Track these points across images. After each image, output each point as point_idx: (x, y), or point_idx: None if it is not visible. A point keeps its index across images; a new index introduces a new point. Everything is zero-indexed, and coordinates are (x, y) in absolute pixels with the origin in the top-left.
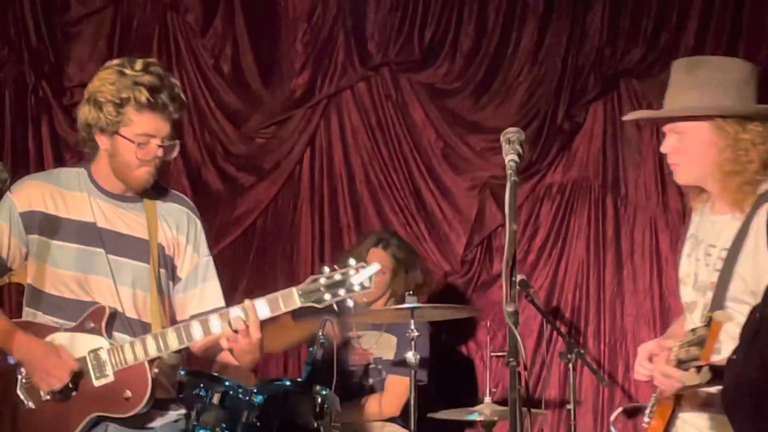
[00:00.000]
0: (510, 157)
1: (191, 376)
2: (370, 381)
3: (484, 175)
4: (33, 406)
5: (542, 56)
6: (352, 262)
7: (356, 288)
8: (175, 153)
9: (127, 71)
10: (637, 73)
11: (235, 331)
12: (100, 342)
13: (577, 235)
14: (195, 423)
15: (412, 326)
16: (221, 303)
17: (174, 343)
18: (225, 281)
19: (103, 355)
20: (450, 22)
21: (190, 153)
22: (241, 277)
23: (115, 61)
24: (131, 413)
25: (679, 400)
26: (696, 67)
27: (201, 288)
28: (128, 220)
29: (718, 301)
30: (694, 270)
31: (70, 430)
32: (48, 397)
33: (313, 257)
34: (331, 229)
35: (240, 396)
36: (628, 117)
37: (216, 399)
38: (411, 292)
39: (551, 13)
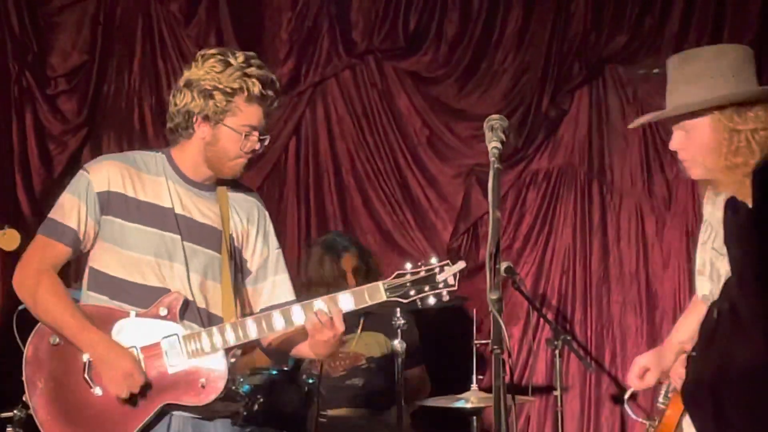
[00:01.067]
0: (493, 144)
1: None
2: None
3: (470, 163)
4: (101, 393)
5: (527, 43)
6: (434, 259)
7: (440, 285)
8: (265, 146)
9: (233, 61)
10: (621, 60)
11: (320, 323)
12: (176, 329)
13: (563, 222)
14: None
15: (398, 314)
16: (292, 296)
17: (253, 333)
18: None
19: (179, 342)
20: (434, 9)
21: None
22: None
23: (213, 50)
24: (205, 402)
25: None
26: (688, 61)
27: (272, 281)
28: (203, 208)
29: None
30: (711, 259)
31: (141, 418)
32: None
33: (299, 246)
34: (317, 217)
35: (232, 387)
36: (635, 124)
37: None
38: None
39: (535, 0)
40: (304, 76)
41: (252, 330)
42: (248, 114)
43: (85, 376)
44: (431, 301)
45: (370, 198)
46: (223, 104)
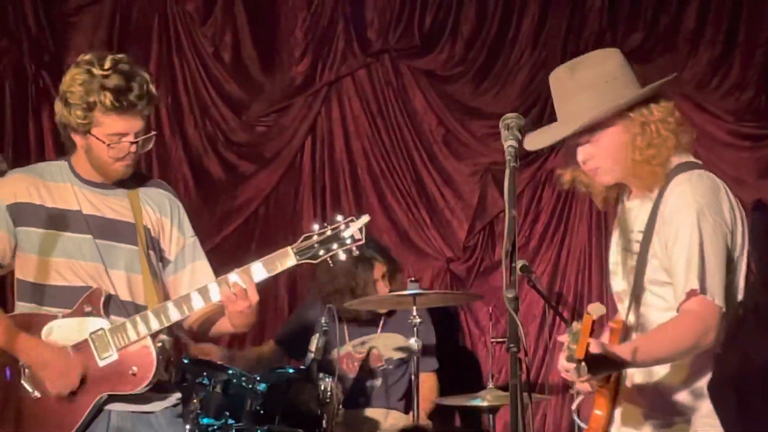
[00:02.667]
0: (509, 143)
1: (194, 364)
2: (379, 383)
3: (486, 161)
4: (39, 395)
5: (542, 41)
6: (340, 217)
7: (348, 241)
8: (150, 145)
9: (96, 71)
10: (637, 58)
11: (234, 295)
12: (101, 323)
13: (579, 219)
14: (198, 411)
15: (414, 312)
16: (212, 280)
17: (174, 315)
18: (227, 270)
19: (105, 335)
20: (450, 7)
21: (191, 142)
22: (243, 266)
23: (86, 57)
24: (139, 388)
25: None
26: (575, 70)
27: (191, 267)
28: (113, 206)
29: (639, 285)
30: (622, 258)
31: (81, 413)
32: None
33: None
34: (333, 216)
35: (243, 384)
36: (532, 147)
37: (219, 387)
38: (413, 279)
39: None
40: (320, 74)
41: (173, 313)
42: (110, 124)
43: (23, 381)
44: (341, 257)
45: (386, 197)
46: (82, 118)
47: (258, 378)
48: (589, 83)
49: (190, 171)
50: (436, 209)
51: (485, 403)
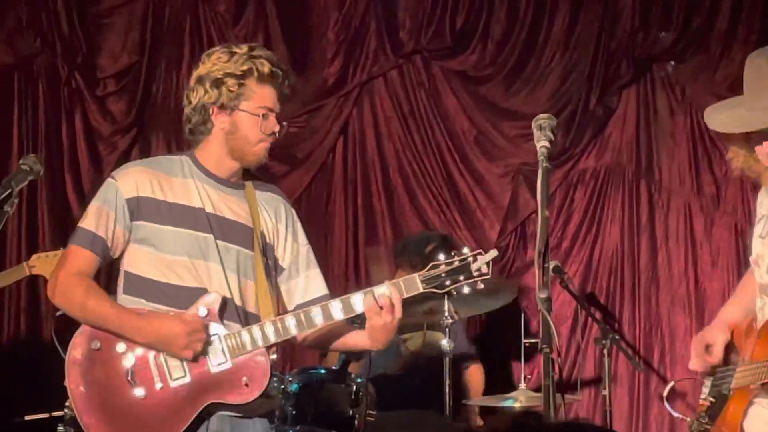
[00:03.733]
0: (542, 143)
1: None
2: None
3: (517, 162)
4: (144, 395)
5: (574, 42)
6: (466, 249)
7: (475, 274)
8: (284, 133)
9: (237, 50)
10: (669, 58)
11: (380, 307)
12: (216, 328)
13: (611, 220)
14: None
15: (446, 313)
16: (325, 291)
17: (293, 329)
18: None
19: (220, 341)
20: (481, 8)
21: None
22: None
23: (217, 48)
24: (249, 400)
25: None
26: None
27: (305, 276)
28: (233, 206)
29: None
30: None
31: (186, 419)
32: (161, 385)
33: (347, 246)
34: (365, 217)
35: (275, 385)
36: (722, 128)
37: None
38: None
39: None
40: (352, 76)
41: (292, 326)
42: (262, 95)
43: (128, 379)
44: (466, 290)
45: (418, 197)
46: (235, 88)
47: (290, 378)
48: None
49: None
50: (467, 210)
51: (517, 404)
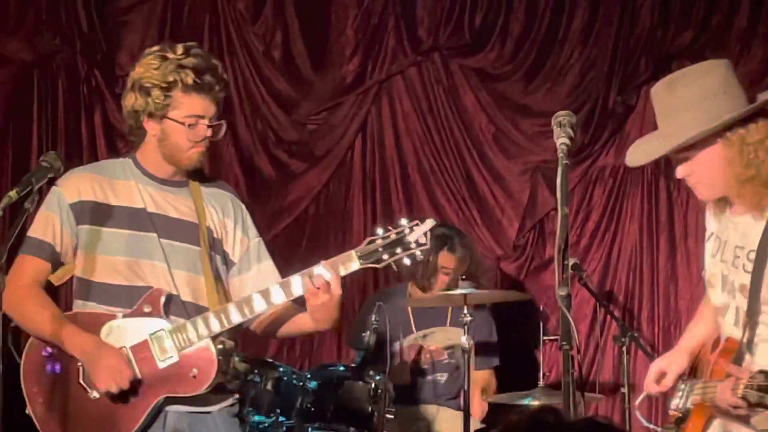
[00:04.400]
0: (561, 140)
1: (245, 362)
2: (442, 377)
3: (536, 160)
4: (98, 395)
5: (593, 39)
6: (404, 221)
7: (413, 246)
8: (222, 133)
9: (170, 55)
10: (688, 56)
11: (317, 288)
12: (161, 324)
13: (630, 218)
14: (249, 409)
15: (465, 311)
16: (279, 280)
17: (236, 317)
18: (277, 268)
19: (165, 336)
20: (500, 5)
21: (242, 140)
22: (293, 264)
23: (155, 48)
24: (200, 391)
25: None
26: (677, 85)
27: (257, 269)
28: (177, 204)
29: (753, 306)
30: (722, 271)
31: (139, 415)
32: None
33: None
34: (383, 214)
35: (294, 382)
36: (639, 162)
37: (270, 385)
38: (464, 277)
39: None
40: (370, 73)
41: (234, 314)
42: (189, 104)
43: (80, 381)
44: (406, 261)
45: (436, 195)
46: (161, 99)
47: (309, 375)
48: (689, 99)
49: (241, 169)
50: (486, 207)
51: (536, 402)
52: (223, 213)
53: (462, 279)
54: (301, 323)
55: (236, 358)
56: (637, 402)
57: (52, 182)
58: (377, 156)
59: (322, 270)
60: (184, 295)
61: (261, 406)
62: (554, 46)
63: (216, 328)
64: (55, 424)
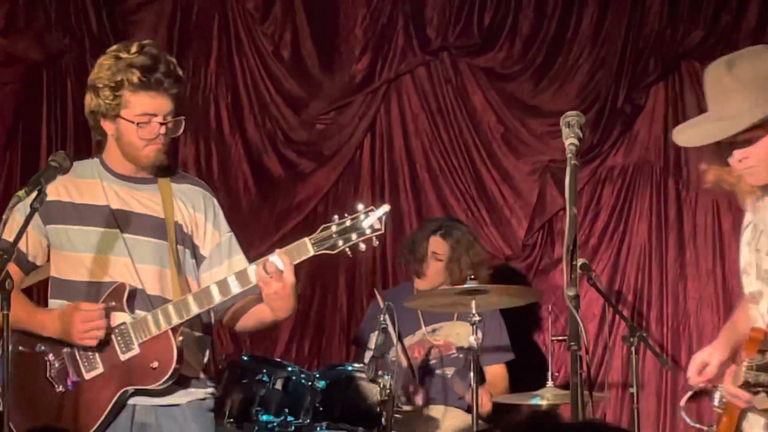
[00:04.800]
0: (570, 140)
1: (254, 362)
2: (449, 371)
3: (545, 159)
4: (63, 390)
5: (602, 39)
6: (360, 206)
7: (367, 231)
8: (181, 129)
9: (123, 55)
10: (698, 55)
11: (270, 276)
12: (123, 317)
13: (638, 218)
14: (258, 408)
15: (473, 310)
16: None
17: (194, 308)
18: None
19: (127, 329)
20: (509, 5)
21: (251, 140)
22: (301, 264)
23: (113, 47)
24: (160, 382)
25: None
26: (733, 66)
27: (228, 263)
28: (143, 200)
29: None
30: (756, 260)
31: (103, 408)
32: (77, 379)
33: None
34: (392, 214)
35: (302, 381)
36: (685, 143)
37: (279, 384)
38: (472, 276)
39: None
40: (379, 72)
41: (192, 304)
42: (138, 102)
43: (48, 376)
44: (361, 247)
45: (445, 194)
46: (110, 99)
47: (317, 375)
48: (748, 81)
49: (250, 169)
50: (495, 207)
51: (544, 402)
52: (194, 208)
53: (470, 278)
54: (260, 314)
55: (244, 358)
56: (683, 402)
57: None
58: (386, 155)
59: (275, 258)
60: (151, 289)
61: (270, 405)
62: (563, 45)
63: (174, 318)
64: (23, 419)
